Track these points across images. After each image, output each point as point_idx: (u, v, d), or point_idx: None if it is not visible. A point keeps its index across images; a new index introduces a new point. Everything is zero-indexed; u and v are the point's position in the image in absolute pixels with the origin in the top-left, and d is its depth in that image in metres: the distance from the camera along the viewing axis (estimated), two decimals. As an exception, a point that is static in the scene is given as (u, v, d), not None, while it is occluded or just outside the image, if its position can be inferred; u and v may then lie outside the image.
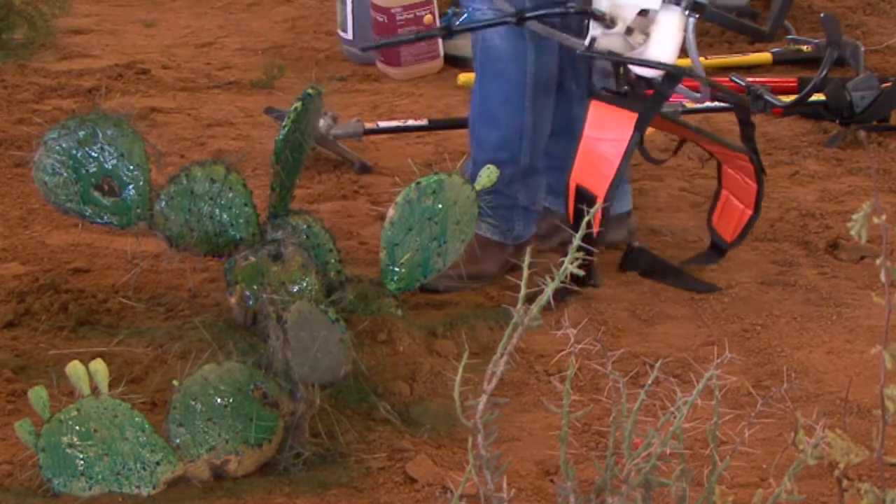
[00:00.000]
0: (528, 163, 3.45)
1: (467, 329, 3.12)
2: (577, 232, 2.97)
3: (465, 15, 5.13)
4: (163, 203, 2.97)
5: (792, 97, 3.88)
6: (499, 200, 3.31)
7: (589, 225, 2.99)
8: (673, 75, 3.13)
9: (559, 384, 2.04)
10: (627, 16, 3.07)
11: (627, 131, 3.12)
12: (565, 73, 3.47)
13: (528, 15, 3.21)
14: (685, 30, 3.08)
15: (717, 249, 3.52)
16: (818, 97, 4.48)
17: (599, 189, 3.13)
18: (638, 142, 3.15)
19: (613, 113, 3.17)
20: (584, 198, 3.17)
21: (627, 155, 3.12)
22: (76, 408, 2.51)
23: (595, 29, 3.10)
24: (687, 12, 3.06)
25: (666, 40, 3.07)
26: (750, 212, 3.40)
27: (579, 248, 1.96)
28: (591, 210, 2.09)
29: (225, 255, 3.01)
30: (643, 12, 3.07)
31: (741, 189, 3.41)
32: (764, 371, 3.04)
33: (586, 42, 3.12)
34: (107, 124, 2.94)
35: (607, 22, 3.07)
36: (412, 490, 2.61)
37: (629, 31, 3.08)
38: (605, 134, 3.17)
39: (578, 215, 2.99)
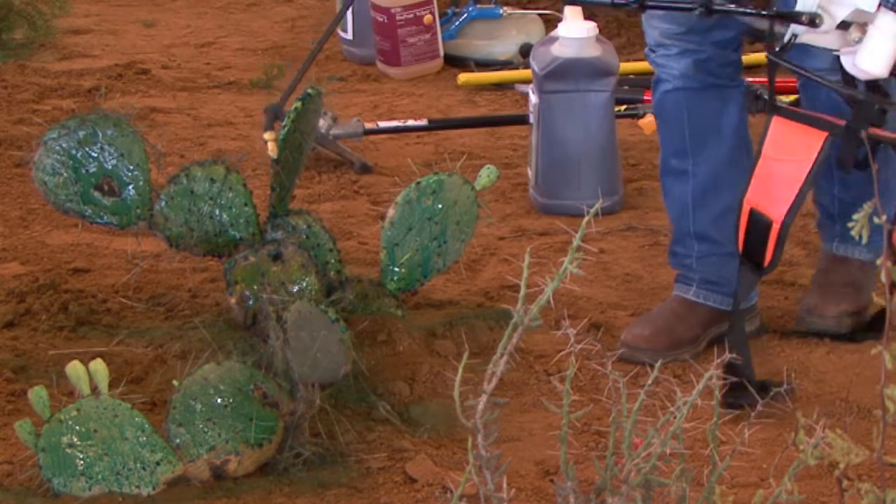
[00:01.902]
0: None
1: (467, 329, 3.12)
2: (750, 260, 2.89)
3: (465, 15, 5.14)
4: (163, 203, 2.97)
5: (792, 97, 3.87)
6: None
7: (755, 255, 2.89)
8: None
9: (559, 384, 2.04)
10: (838, 14, 2.76)
11: (813, 152, 2.85)
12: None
13: (715, 7, 2.87)
14: None
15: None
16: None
17: (776, 213, 2.87)
18: (823, 164, 2.86)
19: (798, 131, 2.89)
20: (759, 224, 2.90)
21: (811, 177, 2.85)
22: (76, 408, 2.51)
23: (798, 27, 2.81)
24: None
25: (878, 49, 2.74)
26: None
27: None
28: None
29: (225, 255, 3.01)
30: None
31: None
32: (764, 371, 3.04)
33: (785, 39, 2.82)
34: (107, 124, 2.94)
35: (805, 21, 2.77)
36: (412, 490, 2.61)
37: (844, 25, 2.77)
38: (787, 154, 2.90)
39: (751, 241, 2.87)
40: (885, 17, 2.71)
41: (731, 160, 3.15)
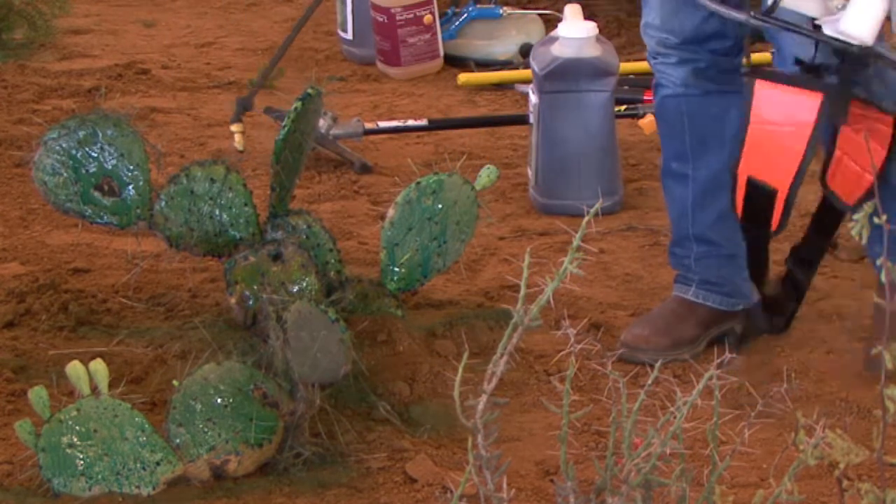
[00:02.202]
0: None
1: (467, 329, 3.12)
2: (755, 226, 2.88)
3: (465, 15, 5.14)
4: (163, 203, 2.97)
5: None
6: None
7: (762, 222, 2.87)
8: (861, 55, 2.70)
9: (559, 384, 2.04)
10: None
11: (811, 115, 2.77)
12: None
13: None
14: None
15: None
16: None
17: (781, 183, 2.82)
18: (823, 126, 2.79)
19: (789, 95, 2.81)
20: (761, 192, 2.85)
21: (813, 143, 2.78)
22: (76, 408, 2.51)
23: None
24: None
25: (862, 13, 2.65)
26: (870, 177, 2.96)
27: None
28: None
29: (225, 255, 3.01)
30: None
31: (859, 151, 3.00)
32: (764, 371, 3.04)
33: (769, 2, 2.73)
34: (107, 124, 2.94)
35: None
36: (412, 490, 2.61)
37: None
38: (783, 119, 2.82)
39: (753, 211, 2.83)
40: None
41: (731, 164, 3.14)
